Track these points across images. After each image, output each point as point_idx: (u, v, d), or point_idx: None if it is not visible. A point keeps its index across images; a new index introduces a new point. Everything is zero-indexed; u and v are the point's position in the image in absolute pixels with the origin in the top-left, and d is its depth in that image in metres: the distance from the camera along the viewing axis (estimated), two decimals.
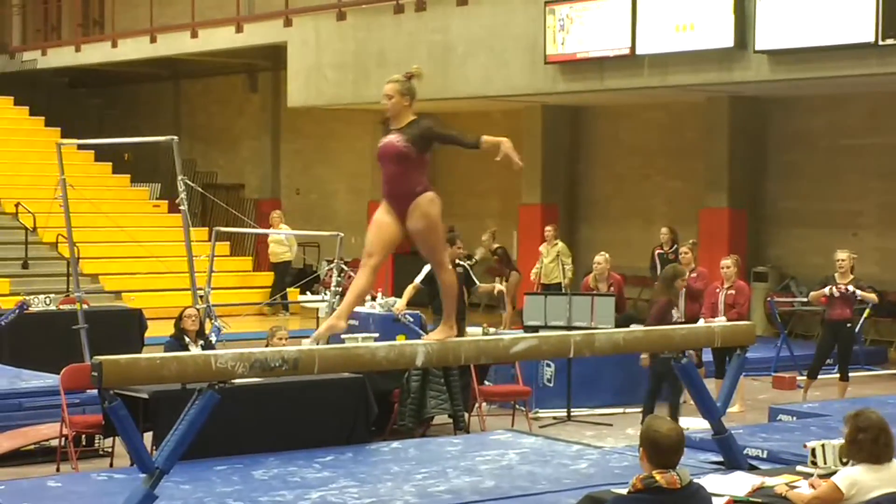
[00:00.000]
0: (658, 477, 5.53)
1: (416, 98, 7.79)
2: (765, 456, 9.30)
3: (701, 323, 12.96)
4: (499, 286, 14.34)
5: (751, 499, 7.12)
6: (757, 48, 16.61)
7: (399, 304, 14.02)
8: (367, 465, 9.53)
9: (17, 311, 14.33)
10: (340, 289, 15.23)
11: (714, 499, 6.05)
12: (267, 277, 24.01)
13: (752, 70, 16.93)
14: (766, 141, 20.44)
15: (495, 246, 20.05)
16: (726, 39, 16.80)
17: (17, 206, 23.34)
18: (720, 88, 18.48)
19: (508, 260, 20.30)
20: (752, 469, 8.51)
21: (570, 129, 23.08)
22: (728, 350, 10.98)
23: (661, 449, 5.56)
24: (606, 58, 18.25)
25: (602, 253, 14.98)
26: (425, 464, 9.45)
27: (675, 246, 17.30)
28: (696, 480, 5.79)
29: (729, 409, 9.73)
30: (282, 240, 22.29)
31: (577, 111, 22.88)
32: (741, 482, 7.50)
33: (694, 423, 10.49)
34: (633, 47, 17.80)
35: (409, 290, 13.87)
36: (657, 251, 17.91)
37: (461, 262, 14.10)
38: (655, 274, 17.61)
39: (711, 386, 11.48)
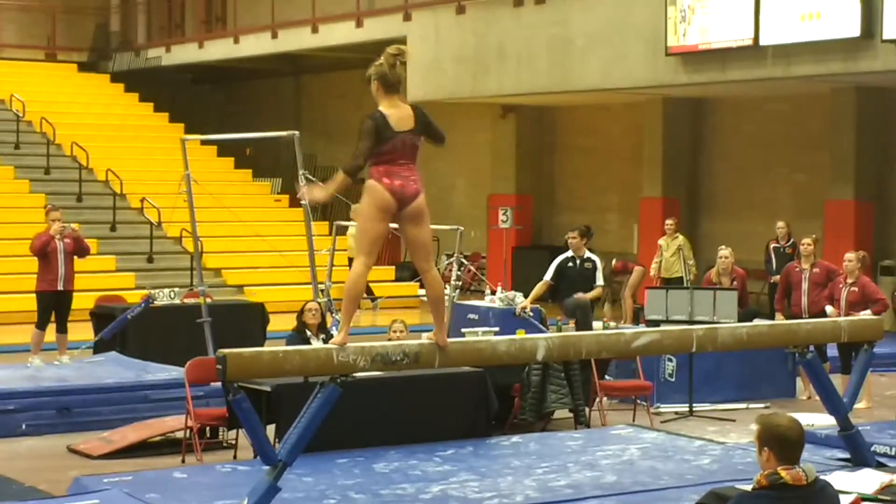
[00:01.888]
0: (783, 473, 5.42)
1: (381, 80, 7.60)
2: (893, 453, 9.13)
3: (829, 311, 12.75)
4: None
5: (879, 496, 6.98)
6: (885, 37, 16.26)
7: (525, 302, 14.14)
8: (488, 458, 9.52)
9: (143, 305, 14.56)
10: (460, 283, 15.25)
11: (841, 496, 5.93)
12: (388, 272, 24.12)
13: (879, 60, 16.58)
14: (894, 132, 20.02)
15: None
16: (853, 29, 16.48)
17: (142, 200, 23.73)
18: (846, 79, 18.14)
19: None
20: (879, 466, 8.36)
21: (692, 122, 22.85)
22: (854, 345, 10.79)
23: (788, 442, 5.44)
24: (729, 49, 18.01)
25: (725, 247, 14.80)
26: (546, 458, 9.42)
27: (792, 240, 17.06)
28: (822, 477, 5.68)
29: (856, 406, 9.56)
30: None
31: (698, 103, 22.64)
32: (869, 480, 7.36)
33: (820, 420, 10.32)
34: (756, 38, 17.54)
35: (538, 287, 13.94)
36: (772, 245, 17.67)
37: (591, 257, 14.08)
38: (770, 268, 17.35)
39: (838, 382, 11.28)
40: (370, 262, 7.31)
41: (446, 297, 15.19)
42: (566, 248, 14.31)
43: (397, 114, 7.42)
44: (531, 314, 14.39)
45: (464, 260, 15.55)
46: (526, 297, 14.58)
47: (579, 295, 13.77)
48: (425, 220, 7.38)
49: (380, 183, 7.27)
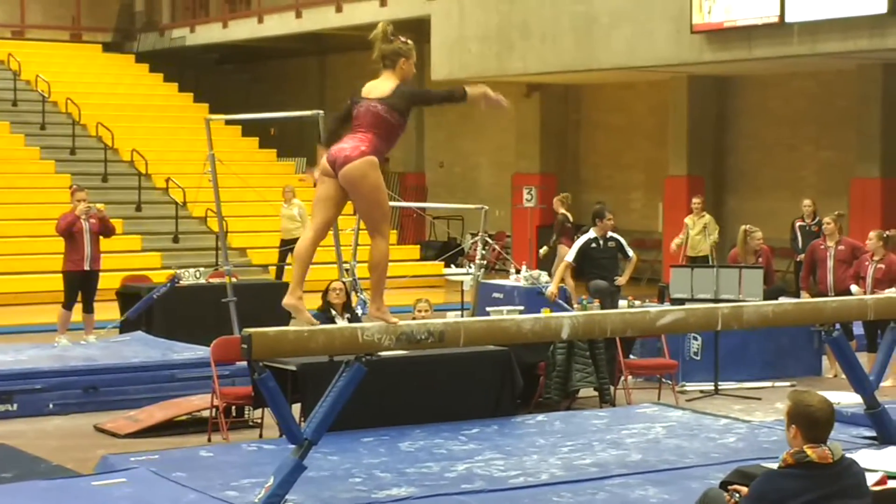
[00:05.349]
0: (809, 451, 5.42)
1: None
2: None
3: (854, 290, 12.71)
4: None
5: None
6: None
7: (552, 287, 14.01)
8: (513, 437, 9.53)
9: (168, 284, 14.62)
10: (485, 262, 15.22)
11: (867, 474, 5.92)
12: (413, 250, 24.14)
13: None
14: None
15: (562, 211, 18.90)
16: (879, 5, 16.38)
17: (167, 181, 23.80)
18: (873, 55, 18.04)
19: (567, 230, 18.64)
20: None
21: (717, 100, 22.77)
22: (880, 323, 10.74)
23: (816, 422, 5.44)
24: (754, 26, 17.93)
25: (756, 228, 14.68)
26: (571, 437, 9.42)
27: (818, 218, 17.00)
28: (848, 455, 5.67)
29: (882, 384, 9.52)
30: (293, 215, 21.42)
31: (723, 81, 22.55)
32: (895, 458, 7.33)
33: (846, 398, 10.28)
34: (782, 15, 17.46)
35: (561, 270, 13.83)
36: (798, 223, 17.62)
37: (614, 236, 14.04)
38: (797, 246, 17.30)
39: (864, 360, 11.23)
40: (314, 225, 7.45)
41: (471, 276, 15.24)
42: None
43: (373, 85, 7.62)
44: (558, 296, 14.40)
45: (488, 239, 15.52)
46: (550, 277, 14.54)
47: (597, 282, 13.69)
48: (356, 190, 7.23)
49: None
